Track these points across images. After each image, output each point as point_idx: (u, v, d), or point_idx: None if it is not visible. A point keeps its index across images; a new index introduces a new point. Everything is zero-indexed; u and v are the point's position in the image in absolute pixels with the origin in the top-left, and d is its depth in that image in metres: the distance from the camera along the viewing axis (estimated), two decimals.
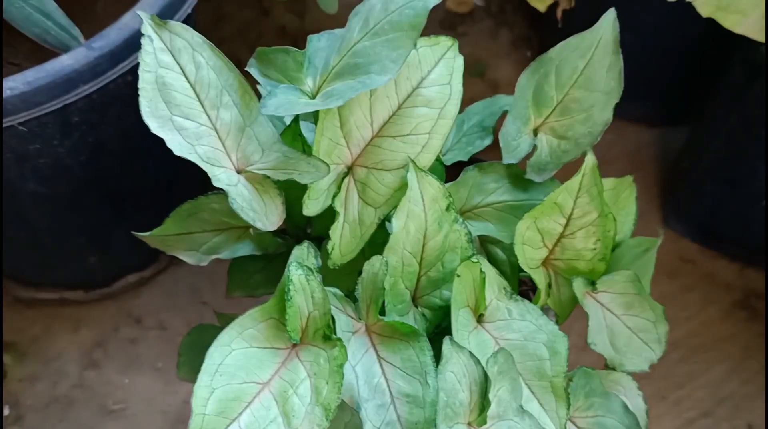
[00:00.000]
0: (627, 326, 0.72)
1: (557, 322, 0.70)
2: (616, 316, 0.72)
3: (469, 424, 0.58)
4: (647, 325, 0.72)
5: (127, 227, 1.12)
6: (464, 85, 0.66)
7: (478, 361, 0.58)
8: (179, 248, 0.75)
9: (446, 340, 0.58)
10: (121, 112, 0.92)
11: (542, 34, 1.48)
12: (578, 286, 0.69)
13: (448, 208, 0.65)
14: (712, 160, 1.19)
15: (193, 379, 0.83)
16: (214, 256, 0.75)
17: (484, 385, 0.58)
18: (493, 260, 0.75)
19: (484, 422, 0.57)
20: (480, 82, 1.44)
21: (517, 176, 0.72)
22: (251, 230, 0.76)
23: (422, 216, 0.65)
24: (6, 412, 1.10)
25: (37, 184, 0.94)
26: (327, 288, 0.62)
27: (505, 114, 0.78)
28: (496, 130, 0.77)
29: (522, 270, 0.74)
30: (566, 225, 0.68)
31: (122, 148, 0.97)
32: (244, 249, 0.75)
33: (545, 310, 0.71)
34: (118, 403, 1.11)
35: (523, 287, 0.83)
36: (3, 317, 1.17)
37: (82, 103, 0.86)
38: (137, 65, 0.82)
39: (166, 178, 1.08)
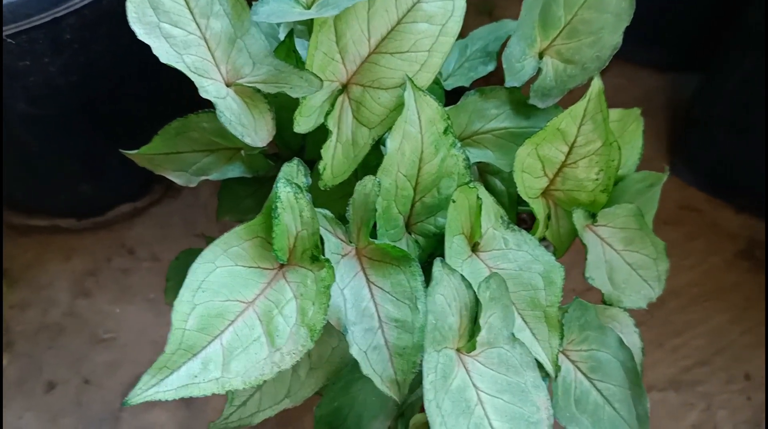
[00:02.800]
0: (626, 262, 0.70)
1: (555, 255, 0.68)
2: (615, 251, 0.69)
3: (457, 349, 0.56)
4: (647, 261, 0.70)
5: (120, 154, 1.10)
6: (471, 23, 0.63)
7: (469, 285, 0.56)
8: (168, 168, 0.73)
9: (437, 262, 0.55)
10: (113, 31, 0.89)
11: None
12: (578, 217, 0.66)
13: (446, 131, 0.63)
14: (724, 107, 1.16)
15: None
16: (204, 178, 0.73)
17: (475, 310, 0.56)
18: (491, 191, 0.72)
19: (474, 348, 0.55)
20: (488, 20, 1.39)
21: (520, 102, 0.69)
22: (242, 152, 0.73)
23: (418, 137, 0.62)
24: None
25: (27, 104, 0.91)
26: (317, 209, 0.60)
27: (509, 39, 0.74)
28: (499, 56, 0.74)
29: (521, 203, 0.72)
30: (568, 153, 0.66)
31: (115, 68, 0.94)
32: (234, 171, 0.73)
33: (544, 244, 0.68)
34: (108, 332, 1.09)
35: (522, 225, 0.80)
36: None
37: (73, 18, 0.83)
38: None
39: (161, 102, 1.05)
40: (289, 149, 0.74)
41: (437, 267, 0.55)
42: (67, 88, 0.92)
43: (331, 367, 0.64)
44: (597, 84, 0.63)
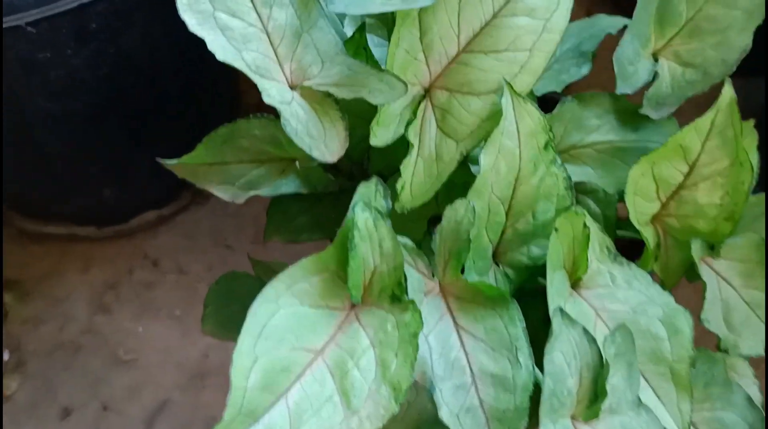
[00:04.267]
0: (744, 301, 0.60)
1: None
2: (733, 288, 0.59)
3: (572, 417, 0.46)
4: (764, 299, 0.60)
5: (148, 156, 1.00)
6: None
7: (592, 340, 0.46)
8: (212, 181, 0.63)
9: (556, 312, 0.46)
10: (147, 20, 0.80)
11: None
12: (696, 250, 0.57)
13: (546, 146, 0.53)
14: None
15: (218, 335, 0.73)
16: (253, 192, 0.63)
17: (598, 370, 0.46)
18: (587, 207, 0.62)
19: (596, 416, 0.46)
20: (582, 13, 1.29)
21: (626, 111, 0.60)
22: (297, 163, 0.64)
23: (516, 153, 0.52)
24: (6, 357, 1.00)
25: (46, 99, 0.82)
26: (397, 237, 0.50)
27: (608, 38, 0.65)
28: (594, 57, 0.64)
29: (620, 227, 0.62)
30: (688, 173, 0.56)
31: (147, 62, 0.85)
32: (288, 185, 0.63)
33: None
34: (129, 352, 1.00)
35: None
36: (4, 251, 1.06)
37: (102, 5, 0.73)
38: None
39: (195, 100, 0.95)
40: (351, 160, 0.64)
41: (556, 318, 0.45)
42: (92, 82, 0.82)
43: (406, 426, 0.54)
44: (728, 93, 0.54)
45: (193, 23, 0.49)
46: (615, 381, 0.47)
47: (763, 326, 0.60)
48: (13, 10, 0.68)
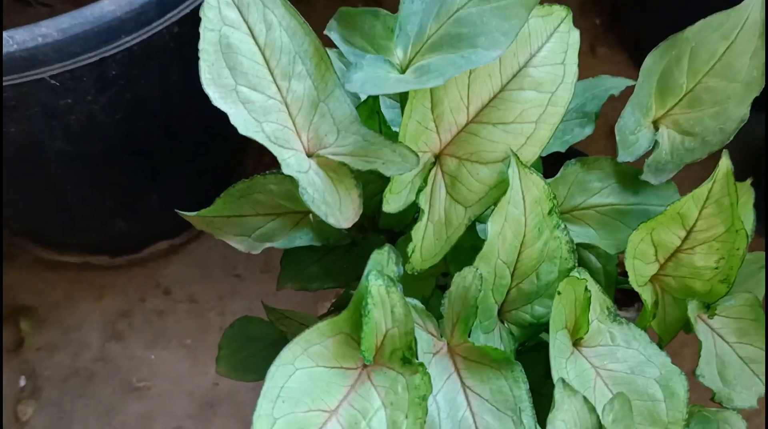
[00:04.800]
0: (739, 356, 0.62)
1: (660, 346, 0.61)
2: (728, 343, 0.62)
3: None
4: (760, 354, 0.62)
5: (160, 191, 1.03)
6: None
7: (593, 409, 0.48)
8: (228, 232, 0.66)
9: (558, 383, 0.48)
10: (163, 67, 0.82)
11: (614, 0, 1.35)
12: (692, 309, 0.59)
13: (550, 212, 0.56)
14: None
15: (233, 376, 0.75)
16: (268, 244, 0.66)
17: None
18: (585, 268, 0.65)
19: None
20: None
21: (626, 175, 0.62)
22: (310, 216, 0.66)
23: (522, 220, 0.55)
24: (22, 383, 1.02)
25: (66, 142, 0.84)
26: (407, 299, 0.52)
27: (611, 99, 0.67)
28: (597, 118, 0.67)
29: (620, 282, 0.65)
30: (685, 238, 0.58)
31: (161, 106, 0.87)
32: (303, 238, 0.65)
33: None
34: (142, 380, 1.02)
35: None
36: (20, 279, 1.09)
37: (121, 55, 0.76)
38: (186, 16, 0.72)
39: (203, 139, 0.98)
40: (363, 214, 0.67)
41: (559, 388, 0.48)
42: (109, 125, 0.85)
43: None
44: (725, 164, 0.56)
45: (217, 97, 0.52)
46: None
47: (756, 380, 0.63)
48: (37, 65, 0.70)
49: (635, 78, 0.68)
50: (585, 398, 0.48)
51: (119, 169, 0.93)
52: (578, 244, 0.66)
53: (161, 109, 0.88)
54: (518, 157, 0.54)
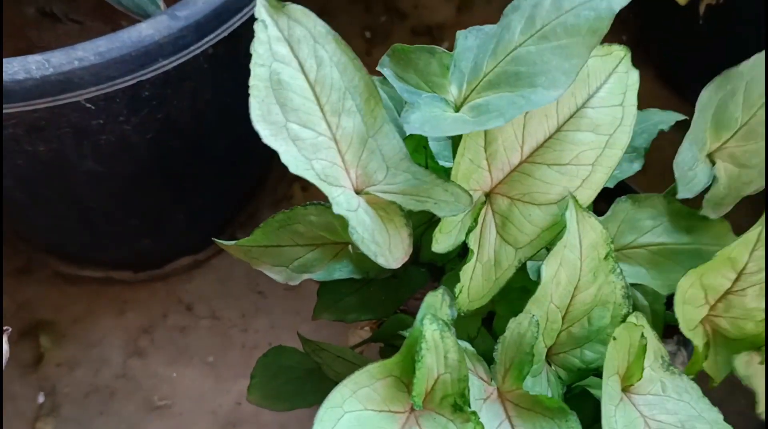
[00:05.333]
0: None
1: (711, 387, 0.60)
2: None
3: None
4: None
5: (186, 209, 1.02)
6: None
7: None
8: (266, 262, 0.65)
9: None
10: (196, 88, 0.81)
11: (640, 17, 1.34)
12: (741, 363, 0.58)
13: (606, 257, 0.54)
14: None
15: (265, 405, 0.74)
16: (306, 276, 0.65)
17: None
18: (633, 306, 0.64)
19: None
20: None
21: (679, 214, 0.61)
22: (350, 247, 0.65)
23: (577, 264, 0.54)
24: (41, 399, 1.01)
25: (95, 162, 0.83)
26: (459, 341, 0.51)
27: (661, 134, 0.66)
28: (647, 154, 0.66)
29: (667, 320, 0.63)
30: (736, 280, 0.57)
31: (192, 126, 0.86)
32: (342, 271, 0.64)
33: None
34: (164, 398, 1.01)
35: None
36: (41, 294, 1.07)
37: (156, 77, 0.75)
38: (222, 39, 0.71)
39: (231, 159, 0.97)
40: None
41: None
42: (140, 145, 0.83)
43: None
44: None
45: (267, 134, 0.50)
46: None
47: None
48: (73, 88, 0.69)
49: (676, 108, 0.67)
50: None
51: (147, 189, 0.91)
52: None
53: (191, 130, 0.87)
54: (577, 201, 0.53)
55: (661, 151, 0.67)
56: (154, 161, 0.87)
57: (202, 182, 0.96)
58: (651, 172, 0.68)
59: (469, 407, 0.49)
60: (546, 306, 0.54)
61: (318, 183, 0.52)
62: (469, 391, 0.50)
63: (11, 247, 1.09)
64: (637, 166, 0.65)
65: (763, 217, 0.56)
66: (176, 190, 0.95)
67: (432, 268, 0.67)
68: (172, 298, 1.08)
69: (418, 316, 0.49)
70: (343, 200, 0.52)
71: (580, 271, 0.54)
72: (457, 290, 0.55)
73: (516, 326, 0.52)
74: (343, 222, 0.59)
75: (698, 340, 0.58)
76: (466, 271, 0.55)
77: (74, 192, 0.89)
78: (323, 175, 0.52)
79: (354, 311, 0.68)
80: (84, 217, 0.94)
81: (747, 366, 0.60)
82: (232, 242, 0.64)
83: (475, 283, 0.55)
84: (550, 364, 0.58)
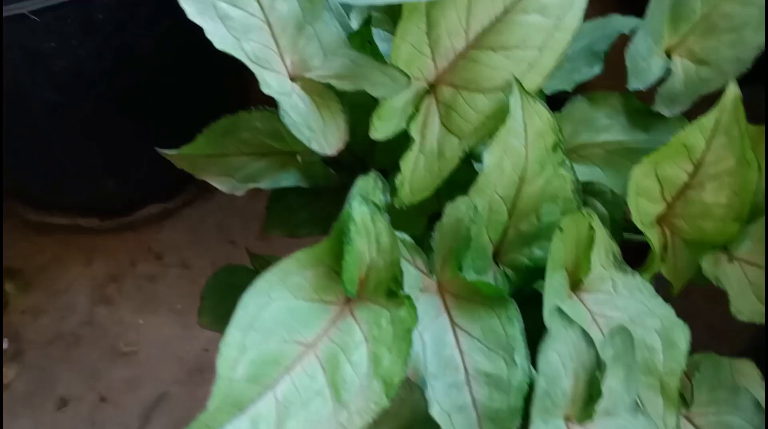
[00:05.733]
0: None
1: (671, 293, 0.58)
2: (758, 267, 0.58)
3: (566, 418, 0.45)
4: None
5: (151, 148, 1.00)
6: None
7: (591, 342, 0.45)
8: (211, 172, 0.63)
9: (553, 311, 0.45)
10: (152, 13, 0.80)
11: None
12: (709, 263, 0.56)
13: (555, 147, 0.52)
14: None
15: (215, 328, 0.72)
16: (252, 185, 0.63)
17: (593, 372, 0.45)
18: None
19: (589, 417, 0.45)
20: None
21: (637, 111, 0.59)
22: (298, 157, 0.63)
23: (522, 153, 0.52)
24: (5, 345, 1.00)
25: (51, 91, 0.82)
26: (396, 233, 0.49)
27: (620, 38, 0.64)
28: (606, 58, 0.64)
29: (628, 230, 0.61)
30: (694, 173, 0.55)
31: (152, 55, 0.84)
32: (289, 179, 0.62)
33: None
34: (129, 345, 1.00)
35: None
36: (7, 242, 1.06)
37: None
38: None
39: (200, 93, 0.95)
40: (353, 155, 0.63)
41: (554, 317, 0.45)
42: (97, 74, 0.82)
43: (399, 424, 0.53)
44: (733, 91, 0.53)
45: (193, 12, 0.49)
46: (612, 384, 0.46)
47: None
48: None
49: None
50: (583, 330, 0.45)
51: (107, 123, 0.90)
52: (583, 190, 0.63)
53: (152, 60, 0.85)
54: (521, 84, 0.51)
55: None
56: (113, 93, 0.86)
57: (167, 118, 0.95)
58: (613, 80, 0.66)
59: (402, 291, 0.47)
60: (489, 195, 0.52)
61: (249, 63, 0.50)
62: (402, 275, 0.48)
63: None
64: (596, 70, 0.63)
65: (721, 101, 0.54)
66: (140, 126, 0.94)
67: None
68: (142, 247, 1.07)
69: (348, 198, 0.47)
70: (275, 84, 0.51)
71: (525, 160, 0.52)
72: (398, 182, 0.53)
73: (453, 211, 0.49)
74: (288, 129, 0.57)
75: (654, 239, 0.56)
76: (408, 162, 0.53)
77: (34, 126, 0.88)
78: (254, 56, 0.51)
79: (306, 226, 0.66)
80: (47, 155, 0.94)
81: (715, 266, 0.58)
82: (175, 151, 0.62)
83: (418, 174, 0.53)
84: (498, 265, 0.56)
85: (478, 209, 0.50)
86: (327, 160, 0.63)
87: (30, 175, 0.99)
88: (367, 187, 0.50)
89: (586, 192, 0.63)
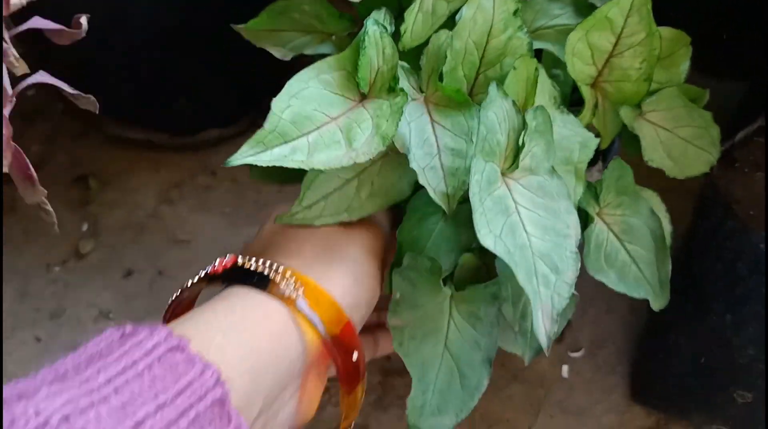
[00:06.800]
0: (680, 137, 0.78)
1: (602, 148, 0.77)
2: (667, 130, 0.77)
3: (502, 173, 0.65)
4: (699, 131, 0.78)
5: (222, 75, 1.21)
6: None
7: (519, 110, 0.65)
8: (269, 43, 0.84)
9: (492, 85, 0.65)
10: None
11: None
12: (626, 112, 0.76)
13: (515, 13, 0.73)
14: None
15: (265, 179, 0.93)
16: (298, 53, 0.84)
17: (521, 133, 0.65)
18: (555, 80, 0.80)
19: (517, 167, 0.65)
20: None
21: (582, 4, 0.79)
22: (333, 37, 0.85)
23: (490, 11, 0.72)
24: (84, 227, 1.21)
25: (146, 11, 1.03)
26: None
27: None
28: None
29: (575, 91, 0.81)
30: (616, 44, 0.74)
31: None
32: (325, 49, 0.84)
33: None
34: (185, 234, 1.21)
35: None
36: (94, 153, 1.28)
37: None
38: None
39: None
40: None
41: (492, 88, 0.65)
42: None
43: (388, 198, 0.72)
44: None
45: None
46: (535, 150, 0.65)
47: (703, 153, 0.79)
48: None
49: None
50: (514, 102, 0.65)
51: (190, 46, 1.12)
52: (550, 65, 0.83)
53: None
54: None
55: None
56: (194, 20, 1.08)
57: (239, 55, 1.16)
58: None
59: (398, 85, 0.68)
60: (465, 39, 0.72)
61: None
62: (399, 79, 0.68)
63: (70, 114, 1.31)
64: None
65: None
66: (213, 56, 1.15)
67: None
68: (201, 164, 1.28)
69: (365, 22, 0.69)
70: None
71: (492, 17, 0.72)
72: (402, 29, 0.74)
73: (436, 39, 0.70)
74: (329, 11, 0.80)
75: (588, 95, 0.76)
76: (410, 15, 0.73)
77: (130, 42, 1.10)
78: None
79: None
80: (132, 69, 1.15)
81: (633, 119, 0.77)
82: (243, 25, 0.84)
83: (417, 26, 0.74)
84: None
85: (453, 47, 0.71)
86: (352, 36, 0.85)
87: (116, 91, 1.21)
88: (379, 17, 0.71)
89: (554, 67, 0.83)
